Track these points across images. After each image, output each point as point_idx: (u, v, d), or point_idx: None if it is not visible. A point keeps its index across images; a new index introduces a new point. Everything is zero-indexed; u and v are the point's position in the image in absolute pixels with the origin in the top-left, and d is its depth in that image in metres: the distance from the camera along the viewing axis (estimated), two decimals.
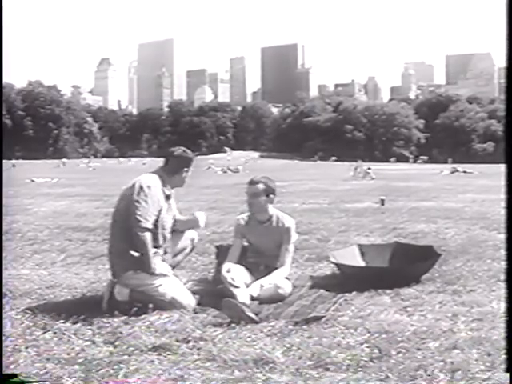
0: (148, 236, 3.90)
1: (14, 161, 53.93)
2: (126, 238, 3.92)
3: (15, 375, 2.68)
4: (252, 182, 4.41)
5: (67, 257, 5.85)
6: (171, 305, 3.85)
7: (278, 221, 4.44)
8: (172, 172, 4.13)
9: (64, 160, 57.26)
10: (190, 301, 3.94)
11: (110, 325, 3.53)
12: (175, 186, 4.20)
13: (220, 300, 3.78)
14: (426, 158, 76.79)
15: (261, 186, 4.36)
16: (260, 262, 4.38)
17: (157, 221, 3.98)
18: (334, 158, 71.47)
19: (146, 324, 3.55)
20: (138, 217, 3.87)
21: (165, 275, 3.97)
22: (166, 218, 4.08)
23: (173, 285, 3.97)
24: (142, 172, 4.38)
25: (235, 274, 4.10)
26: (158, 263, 3.98)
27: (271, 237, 4.41)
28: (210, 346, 3.17)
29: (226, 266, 4.24)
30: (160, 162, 4.28)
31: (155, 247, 3.99)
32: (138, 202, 3.90)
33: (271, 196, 4.41)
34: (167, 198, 4.10)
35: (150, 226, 3.91)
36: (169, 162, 4.17)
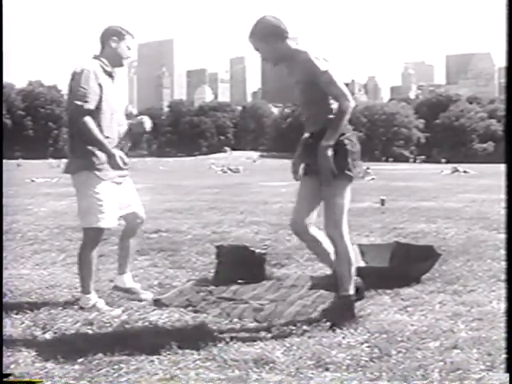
0: (90, 120, 3.69)
1: (18, 160, 54.02)
2: (74, 135, 3.78)
3: (9, 375, 2.69)
4: None
5: (67, 257, 5.85)
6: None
7: None
8: (102, 45, 3.88)
9: (51, 161, 56.19)
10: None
11: (110, 324, 3.53)
12: (114, 63, 3.91)
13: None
14: (423, 157, 76.91)
15: None
16: None
17: (100, 103, 3.75)
18: None
19: (146, 324, 3.55)
20: (78, 99, 3.66)
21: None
22: (115, 103, 3.86)
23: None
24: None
25: None
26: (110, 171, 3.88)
27: None
28: (210, 345, 3.17)
29: None
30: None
31: (111, 143, 3.80)
32: (74, 85, 3.70)
33: None
34: (110, 76, 3.87)
35: (91, 106, 3.69)
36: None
